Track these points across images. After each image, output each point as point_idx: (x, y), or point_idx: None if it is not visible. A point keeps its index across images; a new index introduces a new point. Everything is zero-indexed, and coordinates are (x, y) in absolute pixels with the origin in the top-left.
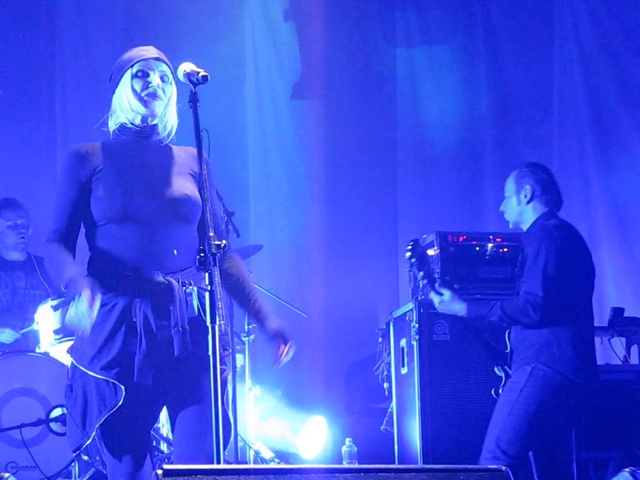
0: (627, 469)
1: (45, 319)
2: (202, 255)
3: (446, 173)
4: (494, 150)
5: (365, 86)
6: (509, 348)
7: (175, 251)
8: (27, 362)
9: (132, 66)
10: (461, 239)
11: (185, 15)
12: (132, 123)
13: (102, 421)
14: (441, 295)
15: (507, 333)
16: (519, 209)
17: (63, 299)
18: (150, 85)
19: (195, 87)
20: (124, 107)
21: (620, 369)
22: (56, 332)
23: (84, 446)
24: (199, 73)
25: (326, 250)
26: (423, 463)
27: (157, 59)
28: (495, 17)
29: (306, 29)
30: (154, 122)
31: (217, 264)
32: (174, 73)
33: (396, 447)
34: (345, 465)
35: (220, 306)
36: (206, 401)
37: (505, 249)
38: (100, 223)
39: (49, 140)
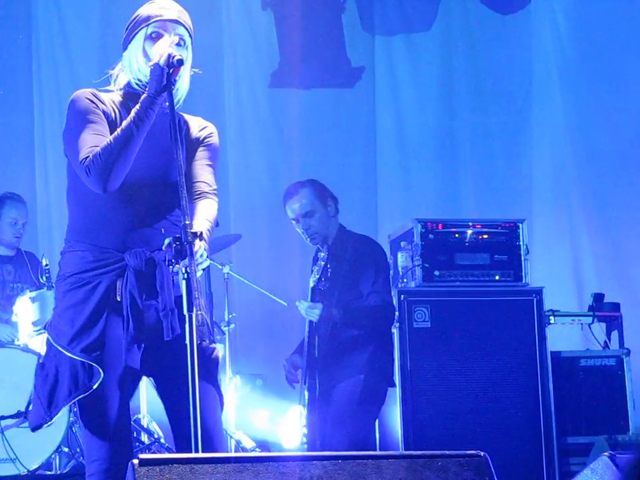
0: (606, 453)
1: (24, 310)
2: (178, 243)
3: (425, 160)
4: (472, 137)
5: (343, 74)
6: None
7: (162, 230)
8: (6, 354)
9: (147, 25)
10: (440, 226)
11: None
12: (138, 85)
13: (69, 403)
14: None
15: (309, 341)
16: (327, 223)
17: (41, 290)
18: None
19: (170, 70)
20: (133, 67)
21: (600, 354)
22: (34, 324)
23: (44, 427)
24: (174, 56)
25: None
26: (404, 450)
27: (175, 20)
28: (473, 4)
29: (284, 17)
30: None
31: (193, 252)
32: (191, 35)
33: (377, 434)
34: (323, 453)
35: (197, 296)
36: (199, 378)
37: (485, 236)
38: (86, 187)
39: (26, 132)
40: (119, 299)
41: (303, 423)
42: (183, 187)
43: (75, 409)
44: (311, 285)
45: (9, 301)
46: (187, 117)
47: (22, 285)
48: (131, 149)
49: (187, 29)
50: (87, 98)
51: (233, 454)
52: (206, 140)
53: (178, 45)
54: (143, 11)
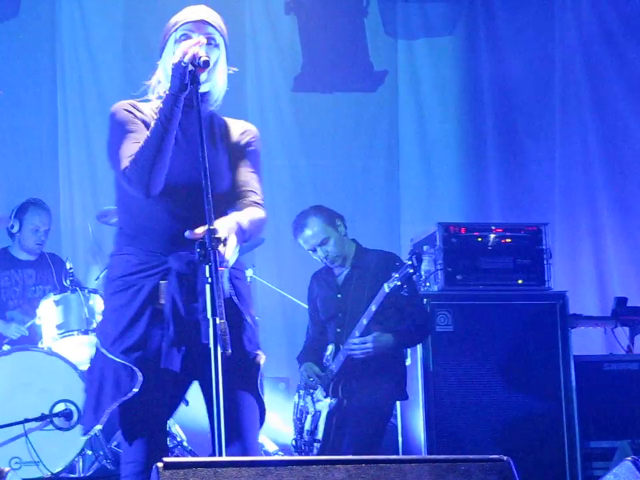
0: (629, 458)
1: (48, 313)
2: (201, 249)
3: (448, 164)
4: (496, 142)
5: (365, 78)
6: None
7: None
8: (30, 357)
9: (176, 30)
10: (462, 230)
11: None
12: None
13: (114, 407)
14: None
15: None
16: (343, 244)
17: (65, 293)
18: None
19: (195, 70)
20: (167, 74)
21: (623, 358)
22: (58, 327)
23: (93, 431)
24: (200, 57)
25: None
26: (427, 455)
27: (202, 21)
28: (496, 8)
29: (307, 21)
30: (201, 90)
31: (217, 258)
32: (223, 35)
33: (400, 438)
34: (347, 457)
35: (220, 304)
36: (239, 387)
37: (507, 240)
38: (132, 196)
39: (50, 136)
40: (162, 301)
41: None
42: (208, 191)
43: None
44: (391, 286)
45: (31, 304)
46: (228, 120)
47: (43, 287)
48: (163, 149)
49: (216, 28)
50: (124, 109)
51: (256, 457)
52: (249, 146)
53: (208, 44)
54: (172, 18)
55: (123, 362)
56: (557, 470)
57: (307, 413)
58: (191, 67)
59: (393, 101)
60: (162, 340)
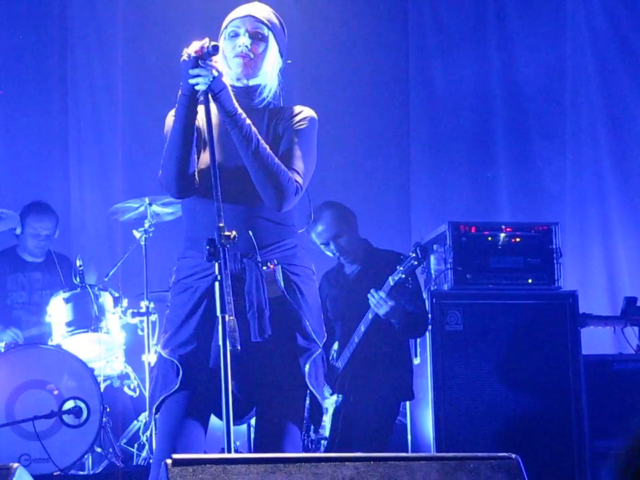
0: None
1: (58, 311)
2: (210, 246)
3: (458, 163)
4: (507, 140)
5: (377, 78)
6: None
7: (250, 232)
8: (40, 354)
9: (225, 28)
10: (473, 229)
11: (196, 13)
12: (232, 87)
13: (158, 402)
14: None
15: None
16: (354, 239)
17: (75, 291)
18: (237, 46)
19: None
20: (223, 71)
21: (633, 358)
22: (68, 324)
23: (149, 425)
24: (208, 46)
25: None
26: (436, 452)
27: (247, 15)
28: (508, 7)
29: (318, 16)
30: (252, 83)
31: (226, 255)
32: (273, 28)
33: (409, 437)
34: (355, 454)
35: (229, 300)
36: (288, 389)
37: (517, 239)
38: (185, 201)
39: (61, 134)
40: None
41: None
42: (217, 189)
43: (108, 409)
44: (396, 279)
45: (38, 307)
46: (285, 107)
47: (51, 291)
48: (182, 147)
49: (263, 22)
50: (171, 116)
51: (265, 454)
52: (299, 124)
53: (254, 38)
54: (226, 18)
55: (170, 358)
56: (565, 469)
57: None
58: (201, 73)
59: (403, 100)
60: (212, 340)
